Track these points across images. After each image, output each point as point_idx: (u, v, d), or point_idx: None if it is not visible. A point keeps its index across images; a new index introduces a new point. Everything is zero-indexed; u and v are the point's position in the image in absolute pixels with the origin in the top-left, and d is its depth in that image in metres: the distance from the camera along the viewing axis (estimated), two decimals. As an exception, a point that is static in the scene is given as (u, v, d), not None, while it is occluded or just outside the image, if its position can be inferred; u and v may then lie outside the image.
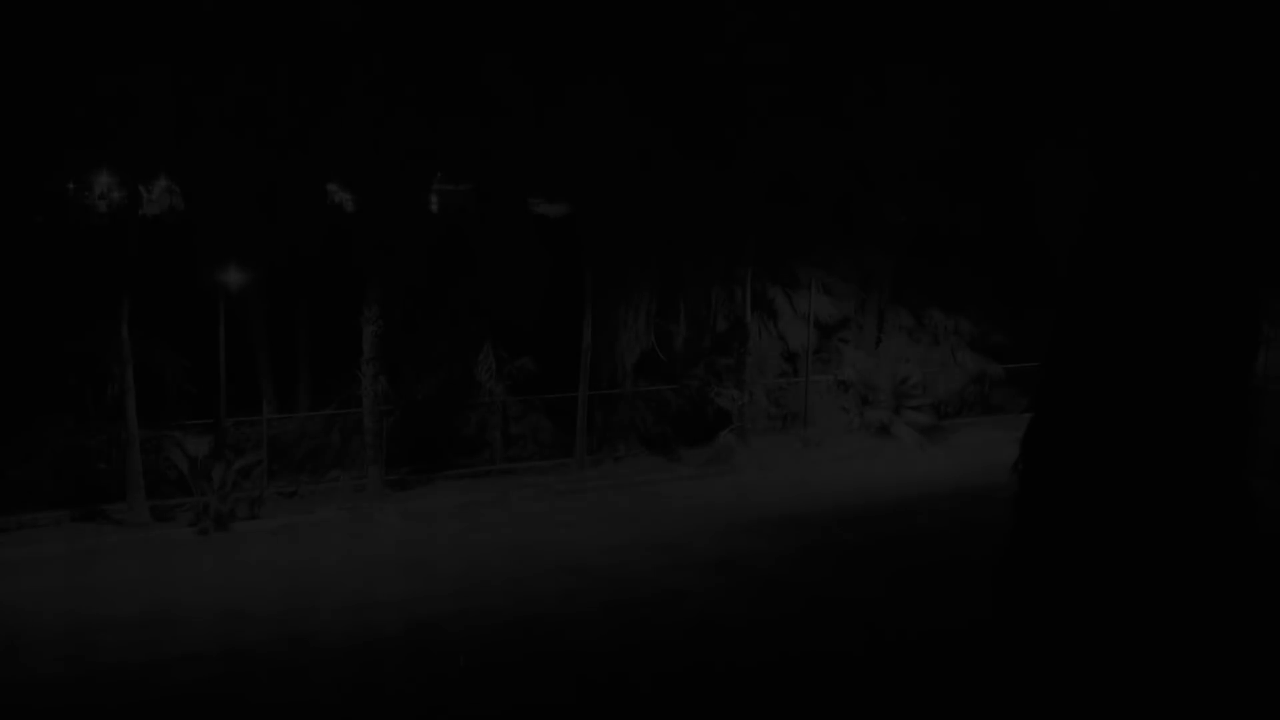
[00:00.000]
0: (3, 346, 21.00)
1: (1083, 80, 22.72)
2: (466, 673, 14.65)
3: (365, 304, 22.47)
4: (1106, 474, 9.89)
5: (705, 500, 23.39)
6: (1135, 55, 9.72)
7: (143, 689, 14.05)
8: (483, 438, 25.04)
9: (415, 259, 23.29)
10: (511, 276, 24.68)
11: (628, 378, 26.40)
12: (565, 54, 22.32)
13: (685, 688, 14.28)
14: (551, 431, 25.67)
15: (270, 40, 20.32)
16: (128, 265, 20.34)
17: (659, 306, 26.62)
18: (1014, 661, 10.48)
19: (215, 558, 19.35)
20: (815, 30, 24.31)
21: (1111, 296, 9.86)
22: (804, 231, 28.19)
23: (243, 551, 19.67)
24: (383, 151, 21.93)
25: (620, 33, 22.67)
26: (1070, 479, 10.15)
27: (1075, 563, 10.02)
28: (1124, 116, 9.83)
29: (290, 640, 15.59)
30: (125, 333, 20.41)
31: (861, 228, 29.10)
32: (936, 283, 30.78)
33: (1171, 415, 9.67)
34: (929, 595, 17.34)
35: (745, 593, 17.77)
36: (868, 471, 25.97)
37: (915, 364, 29.24)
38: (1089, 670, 9.92)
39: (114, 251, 20.85)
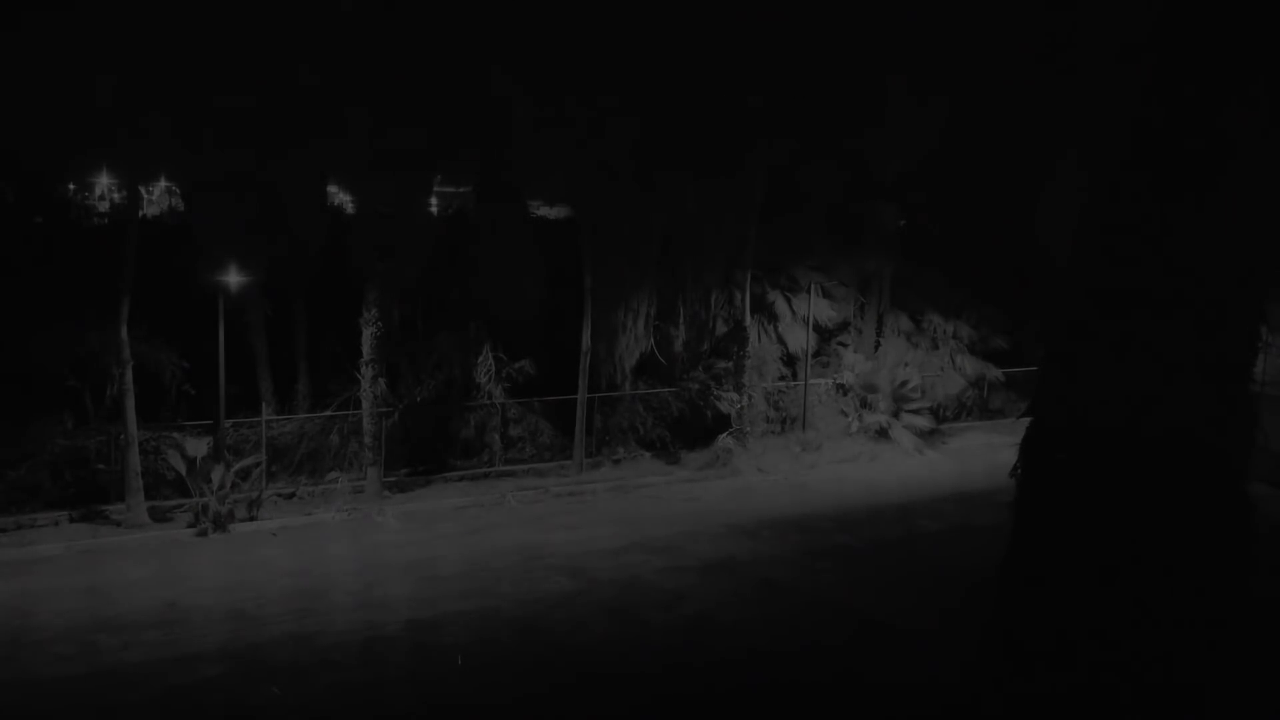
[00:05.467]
0: (2, 347, 21.00)
1: (1082, 80, 22.76)
2: (466, 673, 14.65)
3: (364, 305, 22.48)
4: (1105, 478, 9.90)
5: (704, 503, 23.40)
6: (1135, 57, 9.75)
7: (142, 689, 14.05)
8: (482, 440, 25.03)
9: (414, 260, 23.30)
10: (511, 278, 24.70)
11: (627, 380, 26.42)
12: (566, 56, 22.32)
13: (684, 690, 14.29)
14: (550, 434, 25.67)
15: (271, 40, 20.33)
16: (128, 265, 20.33)
17: (658, 309, 26.63)
18: (1014, 664, 10.49)
19: (214, 559, 19.34)
20: (814, 34, 24.34)
21: (1110, 300, 9.87)
22: (803, 235, 28.24)
23: (241, 553, 19.66)
24: (382, 153, 21.95)
25: (621, 36, 22.68)
26: (1069, 483, 10.16)
27: (1075, 566, 10.03)
28: (1125, 117, 9.86)
29: (289, 641, 15.59)
30: (125, 333, 20.41)
31: (861, 231, 29.14)
32: (935, 287, 30.84)
33: (1170, 419, 9.68)
34: (929, 598, 17.36)
35: (745, 595, 17.78)
36: (867, 475, 25.99)
37: (914, 368, 29.27)
38: (1089, 673, 9.93)
39: (114, 252, 20.83)
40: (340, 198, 33.01)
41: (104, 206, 34.91)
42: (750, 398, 27.13)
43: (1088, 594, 9.97)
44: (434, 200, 30.33)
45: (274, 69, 20.59)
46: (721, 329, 27.87)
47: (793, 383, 28.65)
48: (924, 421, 28.40)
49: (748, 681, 14.48)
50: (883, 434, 27.86)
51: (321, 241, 24.53)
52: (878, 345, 30.17)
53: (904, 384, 28.62)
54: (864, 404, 28.48)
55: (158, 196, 38.45)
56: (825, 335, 29.66)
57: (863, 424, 28.03)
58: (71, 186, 30.97)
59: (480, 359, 25.03)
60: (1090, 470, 9.98)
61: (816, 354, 29.01)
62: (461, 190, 30.73)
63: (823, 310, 28.73)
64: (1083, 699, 9.97)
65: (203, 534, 20.44)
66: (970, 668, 11.25)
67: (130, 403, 20.55)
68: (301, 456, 23.44)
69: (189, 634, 15.77)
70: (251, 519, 21.18)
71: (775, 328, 28.41)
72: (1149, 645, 9.79)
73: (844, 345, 29.92)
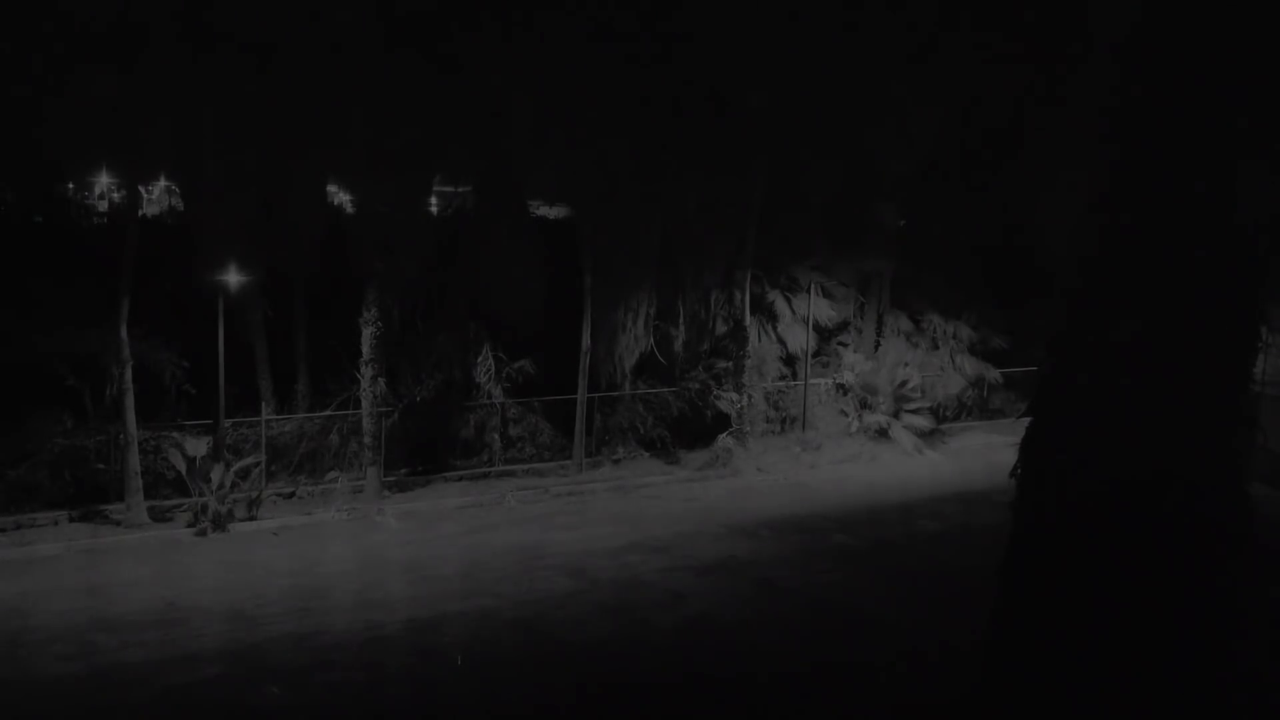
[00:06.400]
0: (2, 346, 20.98)
1: (1082, 84, 22.76)
2: (465, 673, 14.65)
3: (364, 305, 22.47)
4: (1105, 478, 9.89)
5: (704, 503, 23.39)
6: (1138, 58, 9.74)
7: (141, 689, 14.03)
8: (481, 439, 25.03)
9: (414, 260, 23.29)
10: (511, 278, 24.69)
11: (626, 380, 26.42)
12: (567, 56, 22.31)
13: (684, 690, 14.28)
14: (550, 434, 25.67)
15: (271, 40, 20.33)
16: (127, 265, 20.32)
17: (658, 309, 26.63)
18: (1015, 665, 10.49)
19: (213, 558, 19.34)
20: (814, 34, 24.34)
21: (1110, 301, 9.86)
22: (803, 235, 28.23)
23: (241, 552, 19.66)
24: (382, 152, 21.95)
25: (622, 34, 22.67)
26: (1069, 483, 10.15)
27: (1074, 566, 10.03)
28: (1125, 120, 9.85)
29: (289, 640, 15.58)
30: (125, 333, 20.40)
31: (861, 231, 29.14)
32: (935, 287, 30.84)
33: (1170, 420, 9.67)
34: (928, 599, 17.35)
35: (744, 595, 17.77)
36: (866, 475, 25.99)
37: (914, 368, 29.26)
38: (1090, 674, 9.92)
39: (114, 251, 20.82)
40: (340, 197, 33.01)
41: (103, 206, 34.93)
42: (750, 397, 27.12)
43: (1088, 594, 9.96)
44: (434, 200, 30.32)
45: (274, 67, 20.58)
46: (721, 329, 27.87)
47: (793, 383, 28.65)
48: (924, 421, 28.39)
49: (748, 681, 14.46)
50: (883, 434, 27.86)
51: (321, 241, 24.53)
52: (878, 345, 30.17)
53: (904, 384, 28.62)
54: (864, 404, 28.47)
55: (157, 196, 38.46)
56: (825, 335, 29.65)
57: (863, 424, 28.03)
58: (71, 186, 30.98)
59: (480, 359, 25.02)
60: (1090, 471, 9.97)
61: (816, 354, 29.00)
62: (461, 190, 30.71)
63: (823, 310, 28.72)
64: (1083, 699, 9.97)
65: (202, 534, 20.44)
66: (970, 668, 11.23)
67: (130, 402, 20.54)
68: (301, 456, 23.43)
69: (188, 634, 15.76)
70: (251, 519, 21.17)
71: (775, 327, 28.40)
72: (1149, 645, 9.78)
73: (844, 345, 29.91)
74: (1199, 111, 9.35)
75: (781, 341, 28.42)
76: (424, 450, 24.55)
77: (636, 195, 24.59)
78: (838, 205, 28.37)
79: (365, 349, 22.57)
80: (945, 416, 30.41)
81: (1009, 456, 10.84)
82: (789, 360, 28.65)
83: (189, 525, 20.69)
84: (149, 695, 13.90)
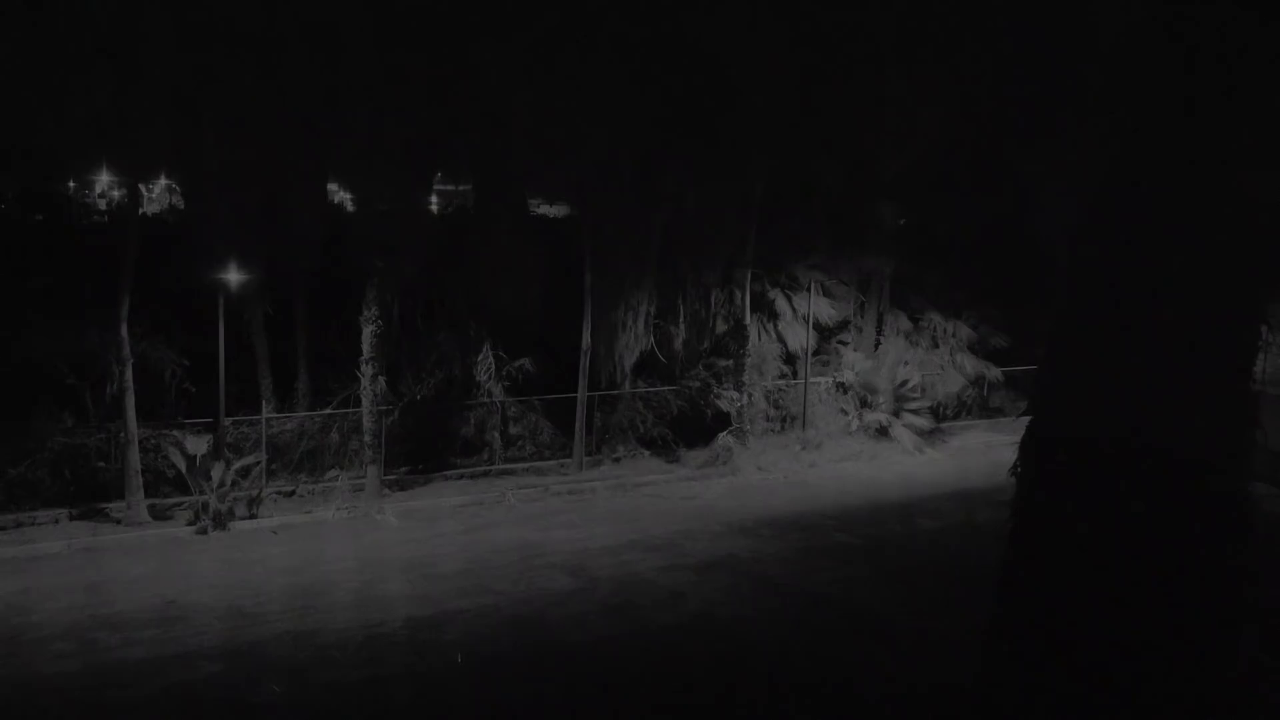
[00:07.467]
0: (2, 345, 21.00)
1: (1082, 81, 22.77)
2: (465, 672, 14.66)
3: (364, 303, 22.47)
4: (1105, 477, 9.89)
5: (704, 501, 23.41)
6: (1138, 55, 9.74)
7: (141, 686, 14.05)
8: (481, 438, 25.05)
9: (414, 258, 23.31)
10: (511, 277, 24.71)
11: (626, 379, 26.43)
12: (566, 55, 22.32)
13: (684, 687, 14.29)
14: (550, 432, 25.68)
15: (271, 40, 20.33)
16: (128, 263, 20.33)
17: (658, 308, 26.65)
18: (1016, 664, 10.49)
19: (214, 557, 19.35)
20: (814, 33, 24.35)
21: (1109, 299, 9.87)
22: (803, 234, 28.25)
23: (241, 550, 19.67)
24: (382, 152, 21.96)
25: (622, 35, 22.68)
26: (1068, 482, 10.15)
27: (1074, 565, 10.03)
28: (1124, 117, 9.85)
29: (289, 638, 15.60)
30: (125, 331, 20.42)
31: (861, 230, 29.15)
32: (935, 286, 30.87)
33: (1170, 419, 9.67)
34: (929, 598, 17.36)
35: (744, 593, 17.78)
36: (867, 473, 26.00)
37: (914, 367, 29.29)
38: (1091, 672, 9.93)
39: (114, 249, 20.83)
40: (340, 195, 33.04)
41: (104, 204, 34.96)
42: (750, 396, 27.13)
43: (1088, 593, 9.97)
44: (434, 198, 30.36)
45: (274, 66, 20.58)
46: (721, 327, 27.88)
47: (793, 381, 28.66)
48: (924, 420, 28.40)
49: (747, 680, 14.48)
50: (883, 432, 27.87)
51: (321, 239, 24.54)
52: (878, 344, 30.19)
53: (904, 383, 28.64)
54: (864, 403, 28.49)
55: (158, 194, 38.48)
56: (825, 334, 29.66)
57: (863, 422, 28.04)
58: (71, 184, 31.00)
59: (480, 357, 25.04)
60: (1089, 469, 9.97)
61: (816, 352, 29.01)
62: (461, 188, 30.75)
63: (823, 309, 28.73)
64: (1084, 699, 9.97)
65: (203, 532, 20.45)
66: (971, 667, 11.24)
67: (130, 400, 20.56)
68: (301, 454, 23.45)
69: (188, 631, 15.78)
70: (251, 517, 21.19)
71: (775, 326, 28.41)
72: (1149, 645, 9.79)
73: (844, 344, 29.92)
74: (1201, 108, 9.35)
75: (782, 340, 28.43)
76: (424, 449, 24.56)
77: (636, 195, 24.60)
78: (838, 204, 28.40)
79: (365, 348, 22.58)
80: (945, 415, 30.44)
81: (1009, 455, 10.84)
82: (789, 359, 28.65)
83: (189, 523, 20.70)
84: (149, 693, 13.91)
